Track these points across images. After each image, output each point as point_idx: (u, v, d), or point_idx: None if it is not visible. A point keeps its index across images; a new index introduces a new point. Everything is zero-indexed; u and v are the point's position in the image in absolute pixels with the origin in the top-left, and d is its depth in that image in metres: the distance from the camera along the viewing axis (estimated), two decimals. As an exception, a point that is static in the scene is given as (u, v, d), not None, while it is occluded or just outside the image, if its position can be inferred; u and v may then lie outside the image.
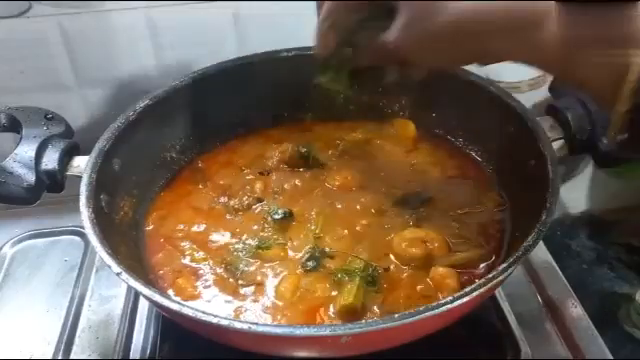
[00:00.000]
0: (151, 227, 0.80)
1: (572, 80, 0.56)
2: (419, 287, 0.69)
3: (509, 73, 0.96)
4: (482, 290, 0.58)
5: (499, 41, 0.56)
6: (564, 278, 0.82)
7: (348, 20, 0.65)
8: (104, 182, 0.73)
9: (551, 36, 0.53)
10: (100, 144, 0.75)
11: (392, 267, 0.72)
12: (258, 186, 0.83)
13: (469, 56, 0.61)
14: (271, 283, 0.71)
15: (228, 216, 0.80)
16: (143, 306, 0.80)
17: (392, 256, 0.73)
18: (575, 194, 1.13)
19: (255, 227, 0.78)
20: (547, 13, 0.53)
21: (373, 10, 0.63)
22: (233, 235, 0.77)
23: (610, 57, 0.50)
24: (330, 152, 0.89)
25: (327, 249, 0.74)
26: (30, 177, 0.72)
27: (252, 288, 0.71)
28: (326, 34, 0.66)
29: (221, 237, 0.77)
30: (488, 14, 0.55)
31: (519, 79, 0.98)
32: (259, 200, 0.82)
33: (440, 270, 0.69)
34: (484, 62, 0.62)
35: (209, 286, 0.72)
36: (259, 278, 0.72)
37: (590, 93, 0.58)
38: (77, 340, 0.77)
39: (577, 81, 0.55)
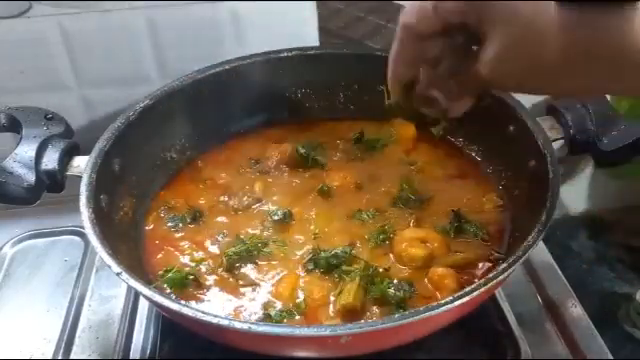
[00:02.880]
0: (151, 227, 0.80)
1: None
2: (419, 287, 0.69)
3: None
4: (482, 290, 0.58)
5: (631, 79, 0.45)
6: (564, 278, 0.82)
7: (423, 56, 0.56)
8: (104, 182, 0.73)
9: None
10: (100, 144, 0.75)
11: (392, 267, 0.72)
12: (258, 186, 0.83)
13: (580, 90, 0.52)
14: (271, 283, 0.71)
15: (228, 216, 0.80)
16: (143, 306, 0.80)
17: (392, 256, 0.73)
18: (575, 194, 1.13)
19: (255, 227, 0.78)
20: None
21: (452, 41, 0.54)
22: (233, 235, 0.77)
23: None
24: (329, 152, 0.89)
25: (326, 249, 0.73)
26: (30, 177, 0.72)
27: (252, 288, 0.71)
28: (395, 75, 0.58)
29: (221, 237, 0.78)
30: (612, 49, 0.43)
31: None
32: (258, 200, 0.82)
33: (439, 270, 0.69)
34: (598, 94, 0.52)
35: (209, 286, 0.72)
36: (258, 278, 0.72)
37: None
38: (77, 340, 0.77)
39: None
